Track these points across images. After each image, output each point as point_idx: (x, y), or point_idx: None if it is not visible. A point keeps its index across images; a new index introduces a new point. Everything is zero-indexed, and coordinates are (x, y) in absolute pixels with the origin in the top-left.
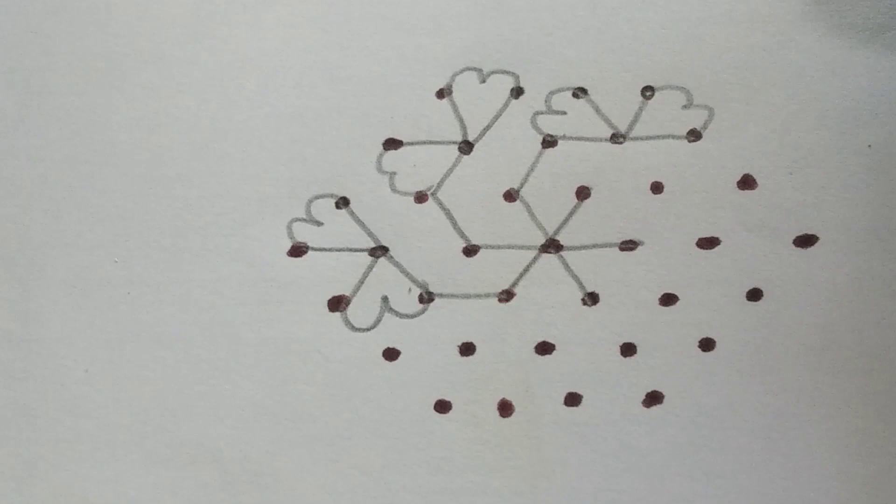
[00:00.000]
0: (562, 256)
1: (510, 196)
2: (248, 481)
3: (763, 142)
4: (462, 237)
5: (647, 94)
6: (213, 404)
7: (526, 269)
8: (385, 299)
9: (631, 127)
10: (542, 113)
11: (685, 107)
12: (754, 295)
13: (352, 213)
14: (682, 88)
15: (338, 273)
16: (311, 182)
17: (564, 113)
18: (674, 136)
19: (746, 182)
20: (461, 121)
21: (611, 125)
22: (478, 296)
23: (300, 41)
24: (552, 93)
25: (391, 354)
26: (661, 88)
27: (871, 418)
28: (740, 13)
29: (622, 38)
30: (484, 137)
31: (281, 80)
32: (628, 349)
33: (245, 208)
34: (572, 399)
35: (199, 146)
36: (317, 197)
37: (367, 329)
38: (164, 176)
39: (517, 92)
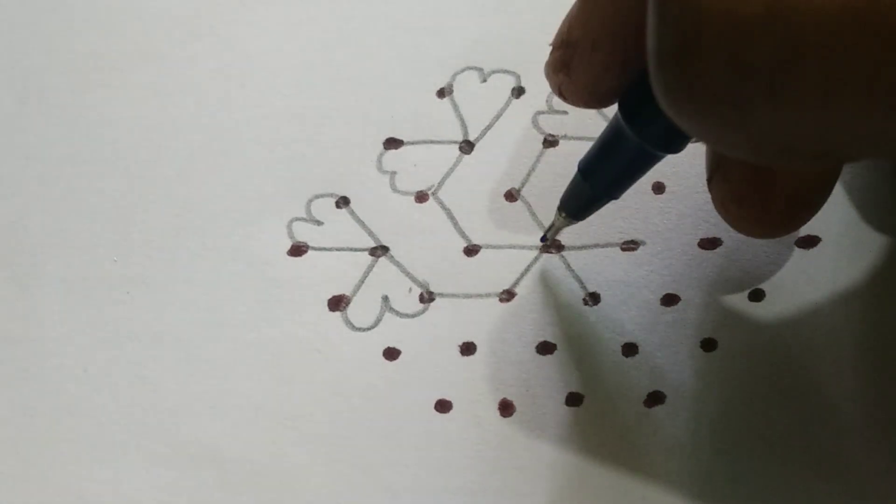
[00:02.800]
0: (563, 256)
1: (511, 196)
2: (248, 481)
3: None
4: (463, 237)
5: None
6: (212, 404)
7: (527, 269)
8: (385, 299)
9: None
10: (543, 113)
11: None
12: (756, 295)
13: (352, 213)
14: None
15: (338, 272)
16: (311, 181)
17: (566, 113)
18: None
19: None
20: (462, 120)
21: None
22: (479, 295)
23: (300, 41)
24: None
25: (391, 354)
26: None
27: (872, 419)
28: None
29: None
30: (485, 137)
31: (281, 80)
32: (630, 349)
33: (245, 208)
34: (573, 399)
35: (199, 146)
36: (317, 196)
37: (368, 329)
38: (163, 176)
39: (518, 91)
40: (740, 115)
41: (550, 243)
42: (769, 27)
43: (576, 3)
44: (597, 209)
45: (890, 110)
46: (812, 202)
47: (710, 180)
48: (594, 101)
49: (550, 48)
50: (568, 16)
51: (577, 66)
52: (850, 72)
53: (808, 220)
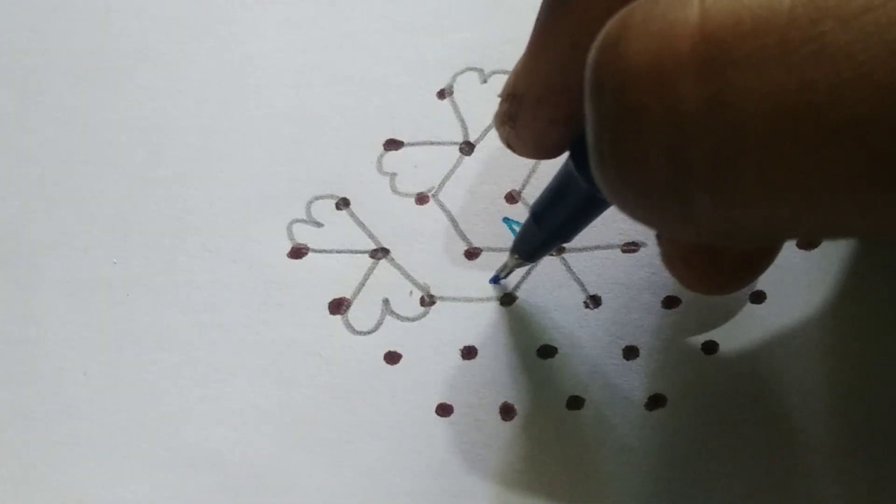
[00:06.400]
0: (564, 259)
1: (512, 198)
2: (248, 485)
3: None
4: (464, 239)
5: None
6: (212, 407)
7: (528, 272)
8: (386, 302)
9: None
10: None
11: None
12: (757, 297)
13: (352, 215)
14: None
15: (338, 275)
16: (311, 183)
17: None
18: None
19: None
20: (462, 121)
21: None
22: (480, 299)
23: (300, 41)
24: None
25: (392, 358)
26: None
27: (874, 420)
28: None
29: None
30: (485, 138)
31: (281, 80)
32: (631, 352)
33: (245, 209)
34: (574, 402)
35: (199, 146)
36: (317, 198)
37: (369, 332)
38: (163, 176)
39: None
40: (680, 207)
41: (502, 281)
42: (707, 124)
43: (522, 58)
44: (549, 251)
45: (830, 201)
46: (758, 265)
47: (658, 236)
48: (542, 152)
49: (499, 100)
50: (514, 68)
51: (522, 119)
52: (789, 166)
53: (754, 280)
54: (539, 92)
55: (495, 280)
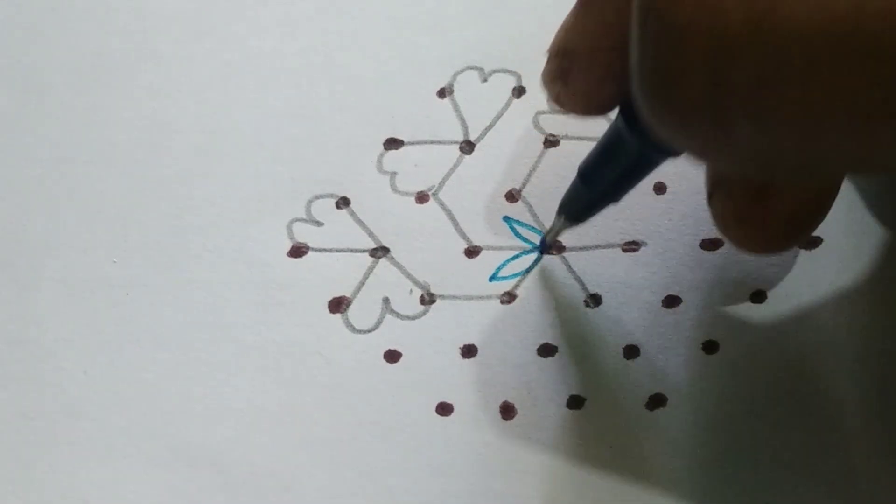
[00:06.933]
0: (564, 257)
1: (512, 196)
2: (248, 484)
3: None
4: (464, 238)
5: None
6: (212, 406)
7: (528, 271)
8: (386, 300)
9: None
10: (544, 112)
11: None
12: (758, 297)
13: (352, 214)
14: None
15: (338, 274)
16: (311, 182)
17: None
18: None
19: None
20: (462, 120)
21: None
22: (479, 297)
23: (300, 41)
24: None
25: (392, 356)
26: None
27: (874, 422)
28: None
29: None
30: (486, 137)
31: (281, 79)
32: (631, 351)
33: (245, 208)
34: (575, 401)
35: (199, 146)
36: (317, 197)
37: (368, 331)
38: (163, 176)
39: (519, 91)
40: (722, 131)
41: (550, 245)
42: (751, 46)
43: (571, 12)
44: (597, 212)
45: (874, 130)
46: (810, 221)
47: (710, 196)
48: (593, 109)
49: (546, 56)
50: (563, 24)
51: (575, 75)
52: (833, 91)
53: (805, 238)
54: (592, 47)
55: (542, 244)
